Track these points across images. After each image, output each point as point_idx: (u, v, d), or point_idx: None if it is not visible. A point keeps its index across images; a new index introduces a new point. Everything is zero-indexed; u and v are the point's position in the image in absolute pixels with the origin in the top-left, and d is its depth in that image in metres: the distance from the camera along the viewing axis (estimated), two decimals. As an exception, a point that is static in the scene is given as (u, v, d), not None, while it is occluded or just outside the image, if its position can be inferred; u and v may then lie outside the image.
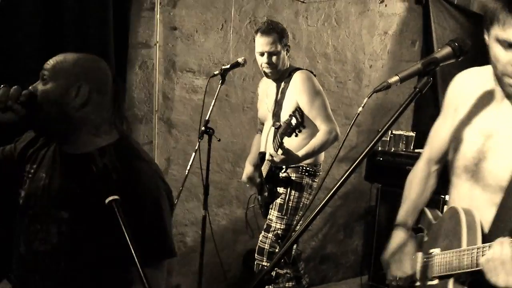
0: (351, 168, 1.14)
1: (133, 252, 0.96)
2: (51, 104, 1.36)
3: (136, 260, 0.96)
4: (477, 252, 1.24)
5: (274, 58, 2.70)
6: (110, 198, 1.07)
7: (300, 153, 2.64)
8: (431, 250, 1.46)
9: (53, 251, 1.36)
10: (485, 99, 1.40)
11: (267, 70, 2.74)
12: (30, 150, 1.50)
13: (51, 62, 1.41)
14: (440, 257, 1.38)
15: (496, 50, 1.25)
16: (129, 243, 0.97)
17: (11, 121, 1.33)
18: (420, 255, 1.52)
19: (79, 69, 1.40)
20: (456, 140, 1.45)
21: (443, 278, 1.36)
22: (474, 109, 1.42)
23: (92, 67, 1.44)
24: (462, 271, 1.27)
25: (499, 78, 1.28)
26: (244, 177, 3.05)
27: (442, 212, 1.59)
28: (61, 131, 1.41)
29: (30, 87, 1.39)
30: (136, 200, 1.33)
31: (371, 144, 1.16)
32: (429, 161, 1.63)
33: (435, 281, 1.41)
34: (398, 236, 1.54)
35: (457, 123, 1.46)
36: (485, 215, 1.33)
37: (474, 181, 1.38)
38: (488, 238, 1.29)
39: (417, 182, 1.62)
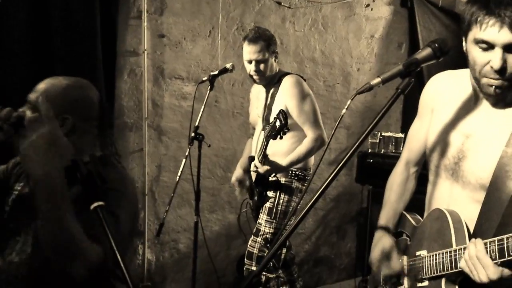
0: (337, 168, 1.16)
1: (118, 257, 0.96)
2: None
3: (122, 265, 0.96)
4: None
5: (262, 66, 2.72)
6: (95, 204, 1.07)
7: (285, 161, 2.68)
8: (418, 253, 1.48)
9: (27, 261, 1.39)
10: (463, 100, 1.43)
11: (255, 77, 2.77)
12: (20, 169, 1.55)
13: (38, 90, 1.44)
14: (429, 259, 1.40)
15: (474, 53, 1.28)
16: (114, 248, 0.98)
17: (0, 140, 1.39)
18: (405, 258, 1.54)
19: (65, 101, 1.43)
20: (435, 140, 1.48)
21: (434, 278, 1.39)
22: (452, 110, 1.45)
23: (79, 98, 1.46)
24: (456, 270, 1.30)
25: (477, 80, 1.31)
26: (234, 179, 3.06)
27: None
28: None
29: (20, 110, 1.44)
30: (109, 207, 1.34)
31: (357, 144, 1.18)
32: (407, 164, 1.66)
33: (425, 283, 1.43)
34: (380, 237, 1.56)
35: (435, 124, 1.49)
36: (466, 212, 1.37)
37: (454, 179, 1.42)
38: (474, 237, 1.31)
39: (397, 186, 1.65)
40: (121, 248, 1.21)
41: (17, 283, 1.41)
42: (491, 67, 1.24)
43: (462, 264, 1.26)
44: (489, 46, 1.24)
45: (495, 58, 1.23)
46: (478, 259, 1.21)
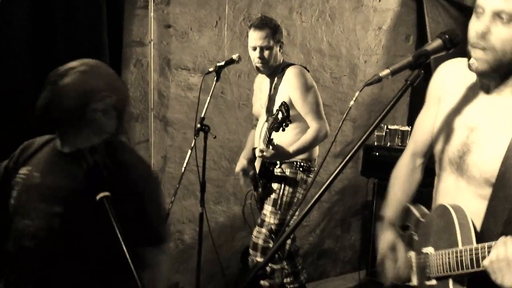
0: (344, 161, 1.15)
1: (124, 248, 0.96)
2: (77, 95, 1.40)
3: (127, 257, 0.96)
4: (475, 252, 1.21)
5: (266, 53, 2.72)
6: (101, 194, 1.06)
7: (291, 148, 2.68)
8: (424, 250, 1.44)
9: (41, 247, 1.37)
10: (469, 90, 1.39)
11: (259, 65, 2.76)
12: (25, 156, 1.54)
13: (78, 67, 1.48)
14: (437, 257, 1.36)
15: (471, 23, 1.26)
16: (120, 239, 0.97)
17: None
18: (413, 254, 1.51)
19: (109, 80, 1.47)
20: (440, 132, 1.43)
21: (442, 278, 1.34)
22: (458, 101, 1.40)
23: (116, 78, 1.54)
24: (463, 271, 1.25)
25: (470, 55, 1.27)
26: (238, 168, 3.06)
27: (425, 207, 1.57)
28: (71, 126, 1.44)
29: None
30: (132, 186, 1.35)
31: (365, 136, 1.16)
32: (413, 155, 1.60)
33: (433, 282, 1.39)
34: (387, 237, 1.51)
35: (441, 115, 1.44)
36: (472, 208, 1.31)
37: (459, 174, 1.36)
38: (480, 235, 1.28)
39: (401, 178, 1.58)
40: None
41: (29, 270, 1.39)
42: (476, 32, 1.22)
43: (486, 263, 1.18)
44: (481, 13, 1.22)
45: (481, 22, 1.22)
46: (508, 264, 1.12)
